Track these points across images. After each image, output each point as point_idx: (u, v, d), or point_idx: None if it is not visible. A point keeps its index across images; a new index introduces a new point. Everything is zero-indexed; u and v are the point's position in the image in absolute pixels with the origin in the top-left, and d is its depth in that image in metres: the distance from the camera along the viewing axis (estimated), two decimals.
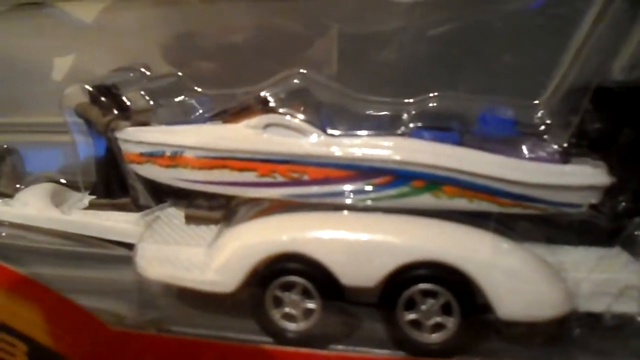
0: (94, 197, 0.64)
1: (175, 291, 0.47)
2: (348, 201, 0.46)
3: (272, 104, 0.50)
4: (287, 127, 0.47)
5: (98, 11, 0.63)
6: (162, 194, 0.61)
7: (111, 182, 0.62)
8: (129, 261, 0.57)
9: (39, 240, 0.63)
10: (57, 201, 0.65)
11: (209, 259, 0.45)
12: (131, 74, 0.66)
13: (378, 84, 0.61)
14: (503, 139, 0.51)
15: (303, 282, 0.42)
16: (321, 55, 0.61)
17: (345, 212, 0.44)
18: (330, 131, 0.49)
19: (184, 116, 0.63)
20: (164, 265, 0.47)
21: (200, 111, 0.62)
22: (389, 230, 0.42)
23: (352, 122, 0.54)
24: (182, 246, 0.49)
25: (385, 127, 0.59)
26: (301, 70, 0.61)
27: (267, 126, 0.48)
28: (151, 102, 0.61)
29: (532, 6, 0.57)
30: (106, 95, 0.60)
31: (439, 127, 0.48)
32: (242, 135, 0.48)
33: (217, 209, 0.52)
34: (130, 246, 0.57)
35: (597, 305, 0.41)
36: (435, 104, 0.59)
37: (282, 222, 0.45)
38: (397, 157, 0.44)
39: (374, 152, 0.44)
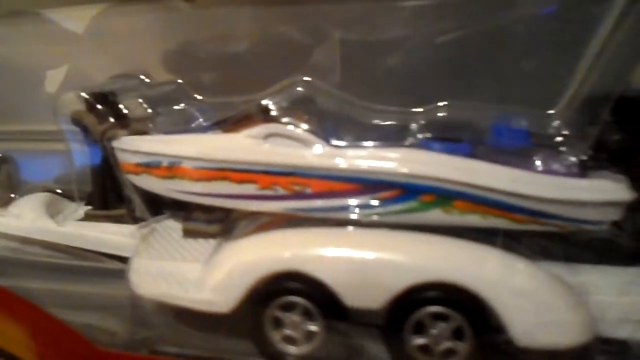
0: (89, 207, 0.63)
1: (169, 309, 0.45)
2: (352, 216, 0.44)
3: (273, 113, 0.48)
4: (289, 137, 0.45)
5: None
6: (159, 205, 0.59)
7: (107, 193, 0.60)
8: (122, 275, 0.56)
9: (32, 252, 0.61)
10: (53, 212, 0.63)
11: (204, 276, 0.43)
12: (129, 81, 0.64)
13: (384, 93, 0.60)
14: (516, 150, 0.49)
15: (304, 302, 0.39)
16: (324, 63, 0.59)
17: (350, 228, 0.42)
18: (334, 142, 0.47)
19: (184, 125, 0.61)
20: (158, 282, 0.44)
21: (201, 120, 0.61)
22: (397, 249, 0.39)
23: (357, 132, 0.52)
24: (178, 262, 0.47)
25: (392, 137, 0.57)
26: (305, 78, 0.60)
27: (268, 136, 0.46)
28: (149, 111, 0.59)
29: (542, 12, 0.56)
30: (103, 103, 0.58)
31: (449, 138, 0.46)
32: (242, 145, 0.46)
33: (214, 223, 0.49)
34: (125, 260, 0.56)
35: (623, 332, 0.38)
36: (444, 114, 0.57)
37: (282, 238, 0.42)
38: (405, 170, 0.42)
39: (380, 165, 0.42)
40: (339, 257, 0.39)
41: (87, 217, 0.60)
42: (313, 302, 0.39)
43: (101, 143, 0.58)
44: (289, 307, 0.40)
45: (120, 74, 0.65)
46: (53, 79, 0.67)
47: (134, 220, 0.58)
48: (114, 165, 0.59)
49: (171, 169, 0.50)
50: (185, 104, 0.61)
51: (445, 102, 0.55)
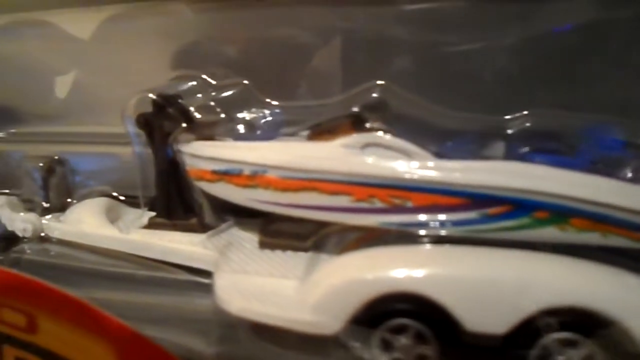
0: (151, 214, 0.60)
1: (261, 327, 0.43)
2: (457, 231, 0.42)
3: (368, 122, 0.46)
4: (390, 147, 0.43)
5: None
6: (229, 213, 0.57)
7: (172, 199, 0.58)
8: (197, 288, 0.53)
9: (92, 260, 0.59)
10: (111, 217, 0.61)
11: (304, 294, 0.40)
12: (193, 83, 0.62)
13: (463, 99, 0.57)
14: (613, 161, 0.47)
15: (418, 325, 0.37)
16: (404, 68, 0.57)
17: (466, 246, 0.39)
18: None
19: (250, 130, 0.59)
20: (249, 299, 0.42)
21: (268, 124, 0.59)
22: (524, 270, 0.37)
23: (434, 138, 0.50)
24: (267, 277, 0.44)
25: (474, 144, 0.55)
26: (379, 82, 0.57)
27: (365, 146, 0.43)
28: (222, 115, 0.57)
29: (555, 30, 0.53)
30: (172, 106, 0.56)
31: (557, 150, 0.44)
32: (336, 155, 0.44)
33: (301, 236, 0.47)
34: (195, 270, 0.54)
35: None
36: (530, 123, 0.55)
37: (392, 257, 0.40)
38: (519, 185, 0.39)
39: (491, 179, 0.40)
40: (459, 278, 0.37)
41: (152, 225, 0.57)
42: (428, 325, 0.37)
43: (168, 148, 0.57)
44: (399, 330, 0.38)
45: (181, 75, 0.63)
46: (62, 84, 0.68)
47: (202, 228, 0.57)
48: (180, 170, 0.58)
49: (254, 177, 0.47)
50: (253, 107, 0.60)
51: (530, 110, 0.54)
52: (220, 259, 0.48)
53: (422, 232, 0.42)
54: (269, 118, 0.57)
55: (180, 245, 0.53)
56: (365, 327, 0.38)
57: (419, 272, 0.37)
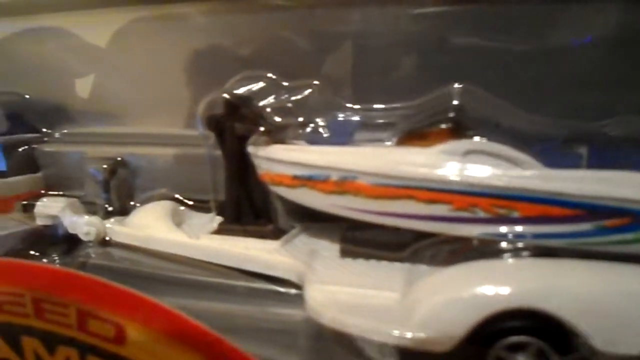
0: (212, 218, 0.59)
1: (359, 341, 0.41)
2: (567, 244, 0.40)
3: (465, 128, 0.44)
4: (495, 155, 0.41)
5: None
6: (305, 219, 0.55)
7: (242, 204, 0.56)
8: (273, 296, 0.52)
9: (160, 266, 0.57)
10: (175, 222, 0.60)
11: (408, 309, 0.38)
12: (261, 84, 0.60)
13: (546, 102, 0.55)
14: None
15: (539, 343, 0.35)
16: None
17: (590, 260, 0.37)
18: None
19: (323, 133, 0.57)
20: (345, 311, 0.40)
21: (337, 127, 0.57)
22: None
23: (516, 143, 0.48)
24: (358, 288, 0.42)
25: (558, 150, 0.53)
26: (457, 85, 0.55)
27: (467, 153, 0.41)
28: (293, 117, 0.55)
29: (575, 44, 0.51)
30: (245, 107, 0.54)
31: None
32: (435, 161, 0.42)
33: (397, 246, 0.45)
34: (270, 279, 0.52)
35: None
36: (619, 128, 0.53)
37: (507, 270, 0.38)
38: None
39: (610, 189, 0.37)
40: (590, 295, 0.35)
41: (222, 231, 0.56)
42: (550, 343, 0.35)
43: (241, 150, 0.55)
44: (518, 348, 0.36)
45: (249, 75, 0.61)
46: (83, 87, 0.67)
47: (275, 235, 0.55)
48: (251, 174, 0.56)
49: (342, 184, 0.45)
50: (326, 110, 0.58)
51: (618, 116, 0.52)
52: (304, 268, 0.46)
53: (526, 244, 0.40)
54: (343, 121, 0.56)
55: (257, 253, 0.51)
56: (479, 344, 0.36)
57: (542, 288, 0.35)
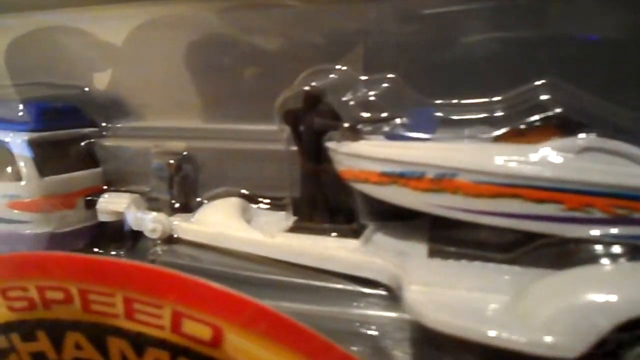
0: (288, 217, 0.57)
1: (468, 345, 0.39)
2: None
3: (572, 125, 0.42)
4: (615, 153, 0.39)
5: None
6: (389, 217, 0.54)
7: (317, 201, 0.54)
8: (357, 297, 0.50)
9: (232, 264, 0.55)
10: (245, 220, 0.58)
11: (526, 312, 0.37)
12: (333, 76, 0.58)
13: None
14: None
15: None
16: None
17: None
18: None
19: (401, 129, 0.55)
20: (454, 315, 0.38)
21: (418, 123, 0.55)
22: None
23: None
24: (462, 290, 0.41)
25: None
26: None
27: (583, 150, 0.40)
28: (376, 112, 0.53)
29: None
30: (324, 101, 0.53)
31: None
32: (547, 159, 0.40)
33: (502, 247, 0.43)
34: (357, 279, 0.50)
35: None
36: None
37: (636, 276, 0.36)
38: None
39: None
40: None
41: (297, 229, 0.54)
42: None
43: (317, 146, 0.53)
44: None
45: (318, 68, 0.59)
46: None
47: (354, 234, 0.53)
48: (328, 171, 0.54)
49: (440, 181, 0.43)
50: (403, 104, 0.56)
51: None
52: (396, 269, 0.44)
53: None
54: (425, 116, 0.54)
55: (340, 252, 0.49)
56: (610, 351, 0.34)
57: None
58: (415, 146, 0.46)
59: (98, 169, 0.65)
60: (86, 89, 0.66)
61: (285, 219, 0.57)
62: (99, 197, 0.63)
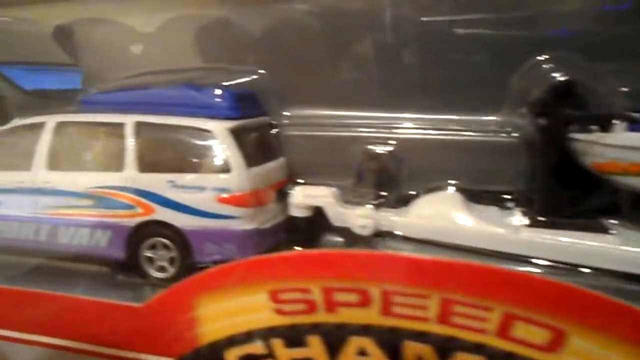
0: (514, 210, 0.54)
1: None
2: None
3: None
4: None
5: None
6: None
7: (562, 196, 0.52)
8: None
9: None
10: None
11: None
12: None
13: None
14: None
15: None
16: None
17: None
18: None
19: None
20: None
21: None
22: None
23: None
24: None
25: None
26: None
27: None
28: None
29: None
30: (576, 92, 0.50)
31: None
32: None
33: None
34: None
35: None
36: None
37: None
38: None
39: None
40: None
41: (541, 224, 0.50)
42: None
43: (564, 137, 0.50)
44: None
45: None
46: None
47: (604, 229, 0.50)
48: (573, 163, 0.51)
49: None
50: None
51: None
52: None
53: None
54: None
55: (606, 248, 0.47)
56: None
57: None
58: None
59: (283, 160, 0.61)
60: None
61: (506, 213, 0.54)
62: (286, 190, 0.59)
